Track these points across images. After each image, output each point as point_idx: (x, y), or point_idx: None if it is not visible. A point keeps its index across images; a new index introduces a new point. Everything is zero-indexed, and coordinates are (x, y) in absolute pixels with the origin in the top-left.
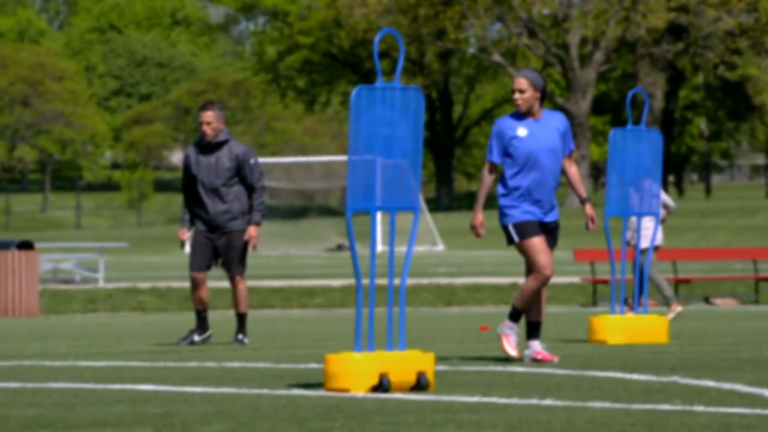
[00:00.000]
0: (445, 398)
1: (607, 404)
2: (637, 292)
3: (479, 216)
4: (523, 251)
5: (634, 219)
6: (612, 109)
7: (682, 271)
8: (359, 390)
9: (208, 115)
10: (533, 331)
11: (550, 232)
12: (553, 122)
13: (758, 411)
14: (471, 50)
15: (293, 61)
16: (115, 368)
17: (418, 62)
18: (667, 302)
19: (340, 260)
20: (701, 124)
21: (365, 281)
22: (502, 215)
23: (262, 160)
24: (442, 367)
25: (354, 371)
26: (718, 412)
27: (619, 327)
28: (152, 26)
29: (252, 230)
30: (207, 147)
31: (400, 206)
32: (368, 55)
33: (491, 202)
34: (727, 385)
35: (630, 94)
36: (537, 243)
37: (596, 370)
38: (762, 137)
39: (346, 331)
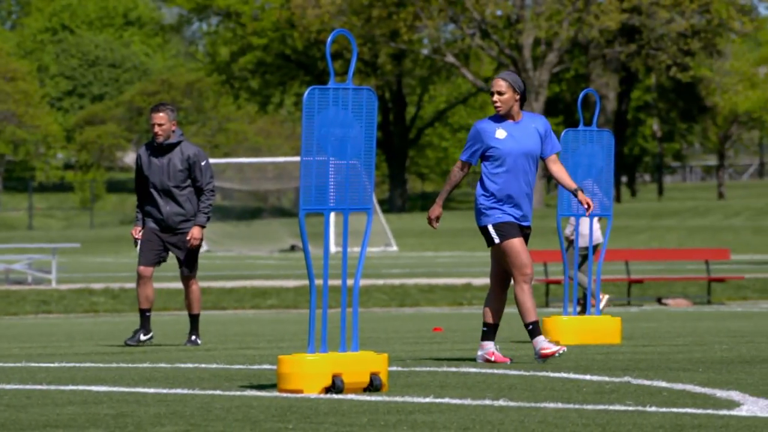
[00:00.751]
0: (399, 399)
1: (560, 405)
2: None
3: (438, 209)
4: (504, 252)
5: (573, 217)
6: (565, 110)
7: (635, 272)
8: (312, 391)
9: (160, 117)
10: (489, 333)
11: (526, 232)
12: (533, 125)
13: (710, 411)
14: (424, 51)
15: (246, 62)
16: (68, 369)
17: (371, 63)
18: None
19: (293, 261)
20: (654, 125)
21: (318, 282)
22: (481, 216)
23: (215, 160)
24: (395, 368)
25: (307, 372)
26: (670, 412)
27: (571, 328)
28: (105, 27)
29: (195, 231)
30: (159, 148)
31: (354, 207)
32: (321, 56)
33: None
34: (679, 386)
35: (581, 95)
36: (518, 243)
37: (549, 371)
38: (714, 138)
39: (299, 332)
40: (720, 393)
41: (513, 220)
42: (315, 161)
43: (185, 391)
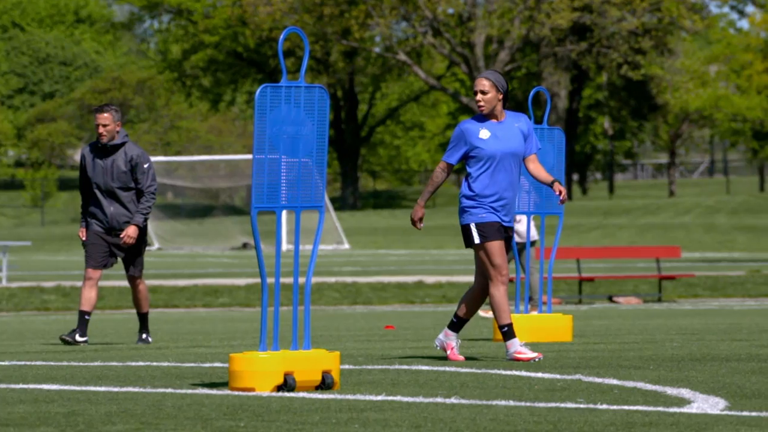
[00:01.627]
0: (350, 397)
1: (511, 403)
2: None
3: (420, 210)
4: (482, 252)
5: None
6: (516, 108)
7: (586, 270)
8: (264, 389)
9: (105, 118)
10: (457, 324)
11: (507, 240)
12: (516, 124)
13: (660, 409)
14: (376, 49)
15: (198, 60)
16: (19, 368)
17: (323, 61)
18: (532, 304)
19: (244, 259)
20: (605, 123)
21: (270, 280)
22: (464, 215)
23: (167, 158)
24: (347, 366)
25: (259, 370)
26: (621, 410)
27: (523, 326)
28: (55, 24)
29: (131, 230)
30: (103, 149)
31: (306, 205)
32: (273, 54)
33: (397, 201)
34: (630, 383)
35: (532, 94)
36: (497, 246)
37: (501, 368)
38: (665, 136)
39: (251, 330)
40: (670, 390)
41: (495, 220)
42: (267, 159)
43: (136, 390)
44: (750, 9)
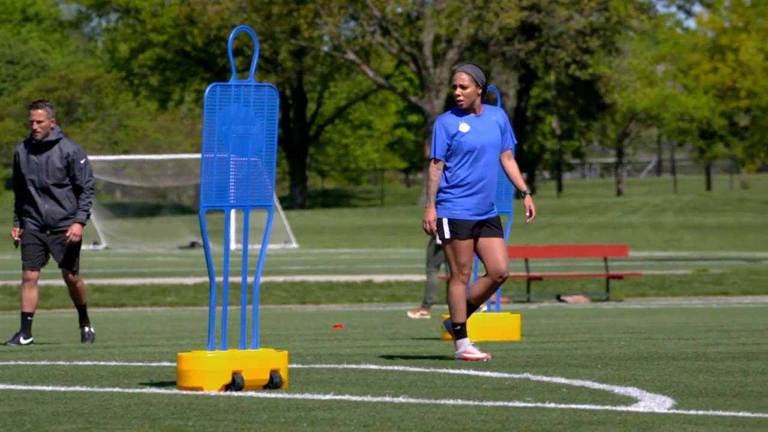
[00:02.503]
0: (299, 396)
1: (459, 401)
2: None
3: (432, 212)
4: (449, 248)
5: None
6: None
7: (534, 269)
8: (212, 388)
9: (39, 114)
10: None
11: (492, 224)
12: (493, 117)
13: (608, 407)
14: (325, 48)
15: (146, 59)
16: None
17: (272, 60)
18: (424, 303)
19: (193, 258)
20: (553, 122)
21: (219, 279)
22: (439, 208)
23: (114, 157)
24: (295, 365)
25: (207, 370)
26: (569, 408)
27: (471, 324)
28: (2, 22)
29: (75, 228)
30: (38, 146)
31: (254, 204)
32: (221, 53)
33: (345, 200)
34: (577, 382)
35: None
36: (465, 245)
37: (449, 367)
38: (613, 136)
39: (199, 329)
40: (618, 389)
41: (468, 218)
42: (216, 158)
43: (84, 389)
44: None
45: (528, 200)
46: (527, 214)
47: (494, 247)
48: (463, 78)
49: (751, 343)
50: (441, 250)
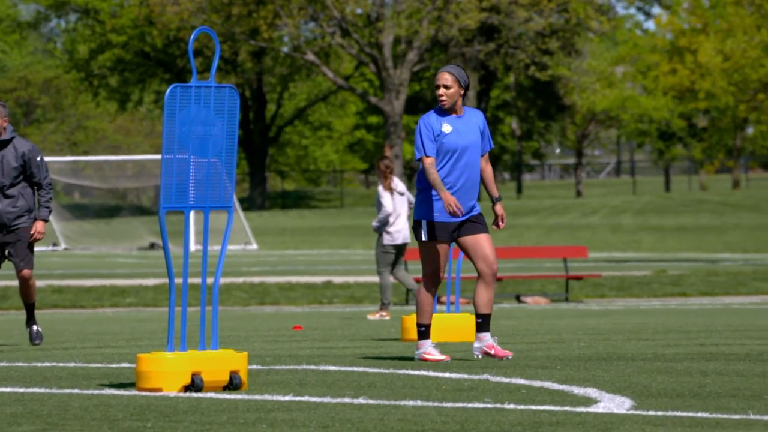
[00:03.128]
0: (258, 397)
1: (419, 403)
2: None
3: (449, 196)
4: (425, 250)
5: (391, 217)
6: (425, 108)
7: None
8: (171, 389)
9: None
10: (484, 323)
11: (475, 221)
12: (474, 119)
13: (567, 408)
14: (284, 49)
15: (105, 60)
16: None
17: (231, 61)
18: (381, 305)
19: (152, 259)
20: (512, 123)
21: (178, 280)
22: (419, 209)
23: (74, 158)
24: (255, 367)
25: (166, 371)
26: (528, 409)
27: (432, 325)
28: None
29: (39, 226)
30: None
31: (214, 205)
32: (181, 54)
33: (305, 201)
34: (537, 383)
35: None
36: (441, 249)
37: (409, 368)
38: (572, 137)
39: (158, 330)
40: (577, 390)
41: (447, 220)
42: (176, 159)
43: (42, 390)
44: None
45: (499, 207)
46: (499, 221)
47: (481, 243)
48: (446, 78)
49: (710, 344)
50: (390, 252)
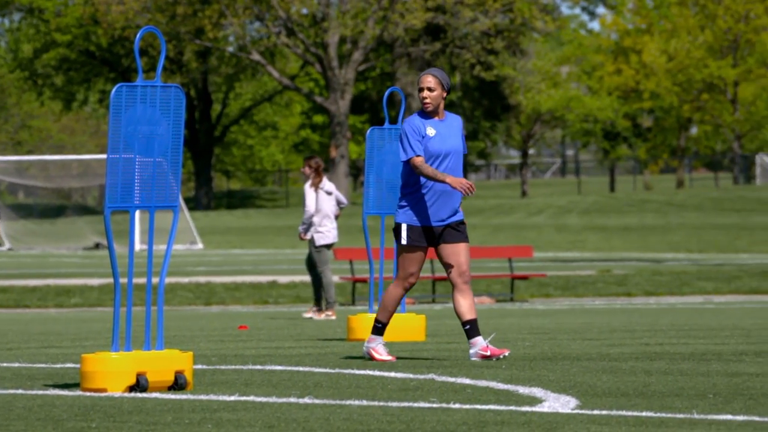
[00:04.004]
0: (204, 397)
1: (364, 402)
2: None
3: (455, 178)
4: (402, 254)
5: (317, 217)
6: (370, 108)
7: (439, 270)
8: (116, 390)
9: None
10: (473, 328)
11: (456, 228)
12: (455, 123)
13: (512, 408)
14: (230, 49)
15: (50, 59)
16: None
17: (177, 60)
18: (326, 304)
19: (97, 259)
20: None
21: (123, 280)
22: (399, 212)
23: (18, 158)
24: (200, 366)
25: (111, 371)
26: (473, 409)
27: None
28: None
29: None
30: None
31: (160, 205)
32: (126, 53)
33: (251, 201)
34: (482, 383)
35: (386, 94)
36: (417, 254)
37: (354, 368)
38: (517, 137)
39: (103, 330)
40: (522, 390)
41: (427, 225)
42: (121, 159)
43: None
44: (601, 10)
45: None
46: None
47: (458, 252)
48: (429, 80)
49: (654, 344)
50: (317, 251)
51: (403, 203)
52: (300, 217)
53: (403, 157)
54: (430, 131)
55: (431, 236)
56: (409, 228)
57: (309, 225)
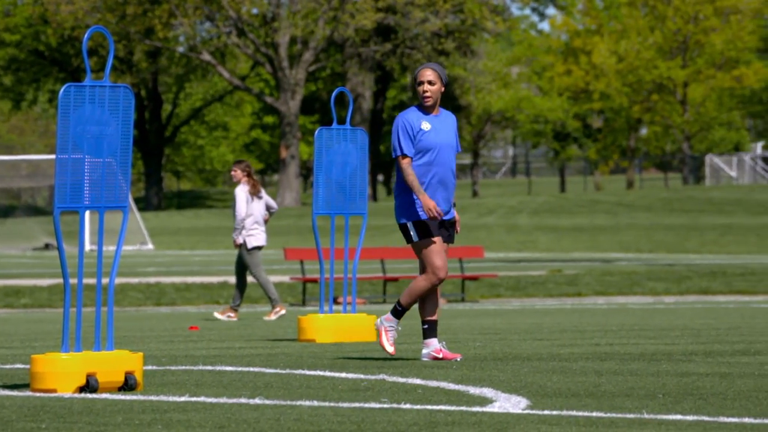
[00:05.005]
0: (154, 398)
1: (315, 403)
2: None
3: (428, 199)
4: (420, 250)
5: (248, 220)
6: (321, 108)
7: (390, 270)
8: (66, 390)
9: None
10: (431, 329)
11: (447, 228)
12: (449, 119)
13: (463, 408)
14: (180, 49)
15: None
16: None
17: (127, 60)
18: (272, 303)
19: (47, 259)
20: None
21: (73, 281)
22: (401, 212)
23: None
24: (150, 367)
25: (61, 371)
26: (424, 409)
27: (328, 326)
28: None
29: None
30: None
31: (109, 205)
32: (76, 53)
33: (201, 201)
34: (433, 383)
35: (334, 94)
36: (436, 243)
37: (305, 369)
38: (468, 137)
39: (53, 331)
40: (473, 390)
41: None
42: (71, 159)
43: None
44: (551, 11)
45: (456, 213)
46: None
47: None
48: (429, 74)
49: (605, 344)
50: (249, 253)
51: (402, 200)
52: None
53: (393, 154)
54: (426, 125)
55: (440, 226)
56: (415, 224)
57: (241, 229)
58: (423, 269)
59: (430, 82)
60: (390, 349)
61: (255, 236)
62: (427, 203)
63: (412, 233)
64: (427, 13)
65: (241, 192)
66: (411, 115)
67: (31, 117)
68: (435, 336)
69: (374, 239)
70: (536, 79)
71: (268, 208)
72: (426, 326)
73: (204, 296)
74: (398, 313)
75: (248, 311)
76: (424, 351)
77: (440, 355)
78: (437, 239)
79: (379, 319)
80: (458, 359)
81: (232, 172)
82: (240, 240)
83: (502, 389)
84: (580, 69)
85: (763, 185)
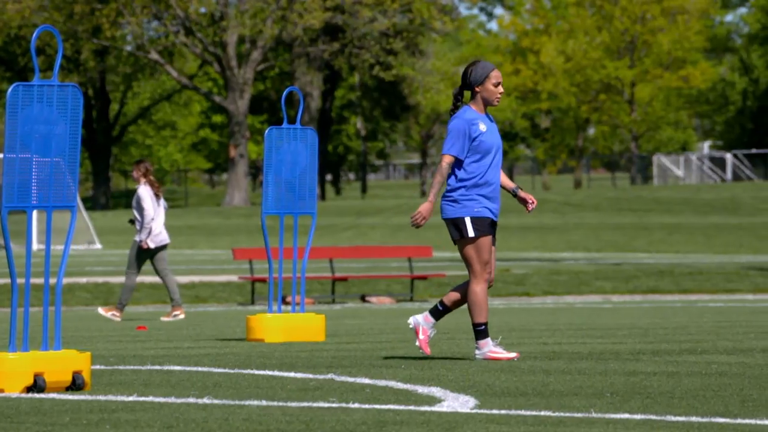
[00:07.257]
0: (102, 398)
1: (264, 402)
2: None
3: (431, 208)
4: (472, 247)
5: (157, 223)
6: (269, 108)
7: (339, 270)
8: (13, 390)
9: None
10: (441, 312)
11: (495, 229)
12: (493, 121)
13: (412, 407)
14: (128, 48)
15: None
16: None
17: (74, 59)
18: (174, 304)
19: None
20: (357, 123)
21: (20, 280)
22: (455, 207)
23: None
24: (98, 367)
25: (8, 371)
26: (372, 409)
27: (276, 325)
28: None
29: None
30: None
31: (57, 205)
32: (23, 52)
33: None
34: (382, 382)
35: (285, 94)
36: (487, 243)
37: (254, 368)
38: (417, 137)
39: (0, 330)
40: (422, 389)
41: (489, 216)
42: (18, 158)
43: None
44: (499, 11)
45: (521, 192)
46: (529, 204)
47: (493, 253)
48: (500, 76)
49: (553, 343)
50: (145, 254)
51: (458, 195)
52: (199, 216)
53: (446, 151)
54: (482, 126)
55: (491, 227)
56: (473, 220)
57: (149, 230)
58: (468, 270)
59: (501, 83)
60: (511, 354)
61: (155, 237)
62: (426, 211)
63: (469, 228)
64: (375, 13)
65: (146, 192)
66: (471, 115)
67: None
68: (437, 320)
69: (323, 239)
70: None
71: (164, 208)
72: (440, 307)
73: (152, 296)
74: (483, 332)
75: (197, 310)
76: (419, 317)
77: (421, 337)
78: (488, 239)
79: (478, 354)
80: (427, 353)
81: (133, 173)
82: (152, 245)
83: (451, 388)
84: (528, 69)
85: (710, 185)
